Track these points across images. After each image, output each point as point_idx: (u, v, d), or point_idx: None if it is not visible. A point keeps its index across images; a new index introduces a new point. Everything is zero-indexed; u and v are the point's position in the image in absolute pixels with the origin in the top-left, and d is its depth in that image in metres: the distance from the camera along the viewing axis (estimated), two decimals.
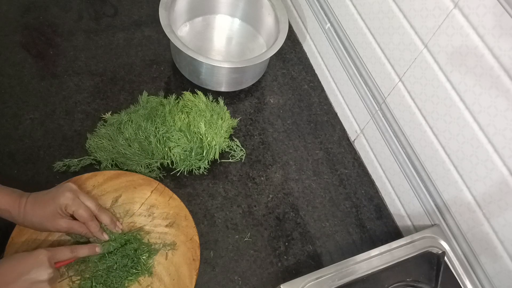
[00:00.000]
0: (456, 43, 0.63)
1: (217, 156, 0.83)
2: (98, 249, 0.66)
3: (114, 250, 0.67)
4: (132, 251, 0.68)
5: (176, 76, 0.95)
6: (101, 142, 0.79)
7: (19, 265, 0.57)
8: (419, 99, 0.73)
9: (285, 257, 0.77)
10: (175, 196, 0.75)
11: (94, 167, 0.78)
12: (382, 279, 0.67)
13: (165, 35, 0.85)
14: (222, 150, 0.85)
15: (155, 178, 0.77)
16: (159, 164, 0.80)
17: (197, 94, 0.88)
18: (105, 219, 0.67)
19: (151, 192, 0.75)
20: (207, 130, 0.82)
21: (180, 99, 0.88)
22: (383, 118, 0.83)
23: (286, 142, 0.91)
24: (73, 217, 0.66)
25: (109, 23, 1.00)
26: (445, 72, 0.66)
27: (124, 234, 0.69)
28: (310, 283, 0.65)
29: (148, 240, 0.71)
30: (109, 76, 0.91)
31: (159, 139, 0.80)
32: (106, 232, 0.68)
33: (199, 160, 0.81)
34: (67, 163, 0.77)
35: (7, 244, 0.65)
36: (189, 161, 0.81)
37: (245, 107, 0.94)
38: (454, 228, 0.72)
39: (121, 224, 0.70)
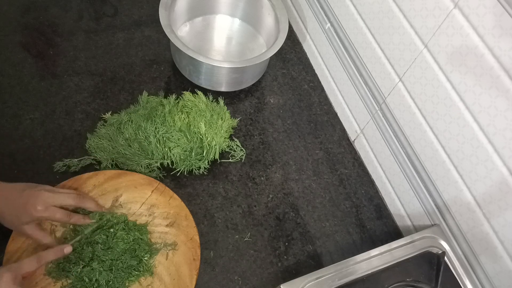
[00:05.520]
0: (456, 43, 0.63)
1: (217, 156, 0.83)
2: (66, 250, 0.64)
3: (123, 251, 0.67)
4: (137, 252, 0.68)
5: (176, 76, 0.95)
6: (101, 142, 0.79)
7: None
8: (419, 99, 0.73)
9: (285, 257, 0.77)
10: (175, 195, 0.75)
11: (94, 167, 0.78)
12: (382, 279, 0.67)
13: (165, 35, 0.85)
14: (222, 150, 0.85)
15: (155, 178, 0.77)
16: (159, 164, 0.80)
17: (197, 94, 0.88)
18: (90, 206, 0.69)
19: (152, 191, 0.75)
20: (207, 130, 0.82)
21: (180, 99, 0.88)
22: (383, 118, 0.83)
23: (286, 142, 0.91)
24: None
25: (109, 23, 1.00)
26: (445, 72, 0.66)
27: (104, 213, 0.71)
28: (310, 283, 0.65)
29: (149, 240, 0.71)
30: (109, 76, 0.91)
31: (159, 139, 0.80)
32: (90, 216, 0.69)
33: (199, 160, 0.81)
34: (67, 163, 0.77)
35: (7, 244, 0.65)
36: (189, 161, 0.81)
37: (245, 107, 0.94)
38: (454, 228, 0.72)
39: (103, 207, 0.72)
